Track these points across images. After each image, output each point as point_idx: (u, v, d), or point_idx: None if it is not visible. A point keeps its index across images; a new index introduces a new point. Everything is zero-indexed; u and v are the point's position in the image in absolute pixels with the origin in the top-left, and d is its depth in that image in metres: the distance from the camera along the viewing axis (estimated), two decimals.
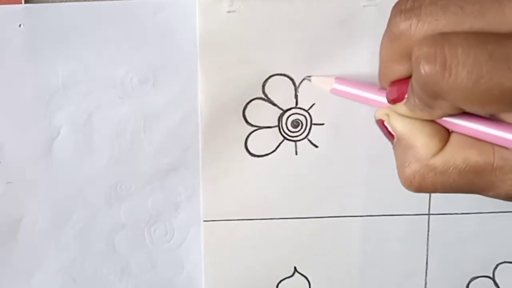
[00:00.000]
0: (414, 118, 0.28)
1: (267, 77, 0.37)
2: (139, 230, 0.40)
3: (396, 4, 0.27)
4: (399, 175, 0.29)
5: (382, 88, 0.31)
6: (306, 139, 0.38)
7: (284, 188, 0.39)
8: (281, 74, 0.37)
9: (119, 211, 0.39)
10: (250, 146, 0.38)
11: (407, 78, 0.28)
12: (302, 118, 0.38)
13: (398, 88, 0.28)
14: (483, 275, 0.41)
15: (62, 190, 0.38)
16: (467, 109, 0.26)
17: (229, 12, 0.36)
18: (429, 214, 0.39)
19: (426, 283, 0.41)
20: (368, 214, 0.39)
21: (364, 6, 0.36)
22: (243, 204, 0.39)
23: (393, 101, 0.29)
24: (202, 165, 0.38)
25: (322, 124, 0.38)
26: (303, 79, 0.37)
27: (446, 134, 0.29)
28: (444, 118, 0.28)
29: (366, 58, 0.37)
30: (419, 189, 0.29)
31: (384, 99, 0.31)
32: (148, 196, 0.39)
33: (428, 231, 0.40)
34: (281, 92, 0.37)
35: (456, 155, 0.27)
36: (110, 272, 0.40)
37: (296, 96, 0.37)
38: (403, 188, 0.39)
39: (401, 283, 0.41)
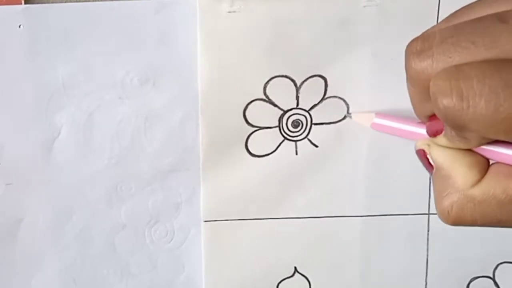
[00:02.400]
0: (454, 148, 0.28)
1: (268, 78, 0.37)
2: (139, 231, 0.40)
3: (408, 46, 0.27)
4: (436, 207, 0.29)
5: (421, 122, 0.31)
6: (306, 139, 0.38)
7: (285, 188, 0.39)
8: (282, 76, 0.37)
9: (119, 212, 0.39)
10: (251, 146, 0.38)
11: None
12: (302, 118, 0.38)
13: (436, 122, 0.29)
14: (483, 275, 0.41)
15: (62, 191, 0.38)
16: (493, 137, 0.26)
17: (229, 12, 0.36)
18: (429, 214, 0.39)
19: (426, 283, 0.41)
20: (368, 214, 0.39)
21: (364, 6, 0.36)
22: (244, 204, 0.39)
23: (433, 134, 0.29)
24: (203, 165, 0.38)
25: (322, 124, 0.38)
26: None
27: (486, 165, 0.28)
28: (483, 147, 0.28)
29: (367, 58, 0.37)
30: (457, 220, 0.28)
31: (423, 131, 0.31)
32: (149, 196, 0.39)
33: (428, 231, 0.40)
34: (282, 93, 0.37)
35: (495, 186, 0.27)
36: (110, 272, 0.40)
37: (297, 97, 0.37)
38: (403, 188, 0.39)
39: (402, 283, 0.41)
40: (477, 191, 0.27)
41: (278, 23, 0.36)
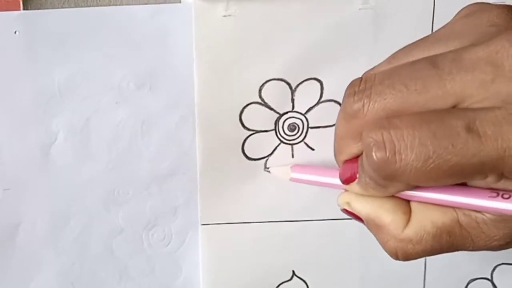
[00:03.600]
0: (370, 196, 0.29)
1: (263, 81, 0.37)
2: (137, 235, 0.40)
3: (350, 85, 0.28)
4: (384, 250, 0.30)
5: (337, 169, 0.31)
6: (302, 143, 0.38)
7: (281, 191, 0.39)
8: (277, 79, 0.37)
9: (117, 216, 0.39)
10: (247, 150, 0.38)
11: (358, 157, 0.29)
12: (298, 122, 0.38)
13: (350, 166, 0.29)
14: (481, 277, 0.41)
15: (60, 195, 0.38)
16: (422, 185, 0.27)
17: (225, 16, 0.36)
18: None
19: (424, 286, 0.41)
20: None
21: (359, 9, 0.36)
22: (241, 207, 0.39)
23: (346, 181, 0.29)
24: (200, 169, 0.38)
25: (319, 127, 0.38)
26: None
27: (407, 203, 0.29)
28: (399, 194, 0.29)
29: (362, 61, 0.37)
30: (406, 259, 0.29)
31: (339, 181, 0.31)
32: (146, 200, 0.39)
33: None
34: (277, 96, 0.37)
35: (424, 223, 0.28)
36: (108, 276, 0.40)
37: (292, 100, 0.37)
38: None
39: (400, 285, 0.41)
40: (410, 233, 0.28)
41: (274, 27, 0.36)
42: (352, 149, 0.29)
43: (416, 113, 0.26)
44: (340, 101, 0.37)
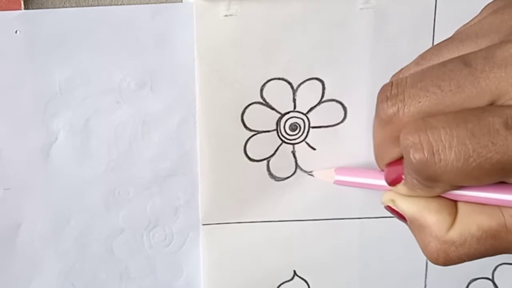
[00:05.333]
0: (417, 196, 0.29)
1: (265, 81, 0.37)
2: (138, 235, 0.39)
3: (381, 90, 0.28)
4: (424, 254, 0.29)
5: (383, 171, 0.31)
6: (304, 142, 0.38)
7: (283, 191, 0.39)
8: (279, 78, 0.37)
9: (117, 216, 0.39)
10: (249, 150, 0.38)
11: (402, 159, 0.29)
12: (300, 122, 0.38)
13: (394, 169, 0.29)
14: (482, 277, 0.41)
15: (60, 196, 0.38)
16: (465, 185, 0.27)
17: (226, 16, 0.36)
18: None
19: (425, 285, 0.41)
20: (367, 216, 0.39)
21: (361, 8, 0.36)
22: (242, 207, 0.39)
23: (392, 183, 0.29)
24: (201, 169, 0.38)
25: (320, 127, 0.38)
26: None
27: (454, 204, 0.29)
28: (446, 194, 0.28)
29: (364, 61, 0.37)
30: (447, 263, 0.29)
31: (384, 182, 0.31)
32: (147, 200, 0.39)
33: None
34: (279, 96, 0.37)
35: (469, 225, 0.28)
36: (109, 276, 0.40)
37: (294, 100, 0.37)
38: None
39: (401, 285, 0.41)
40: (454, 235, 0.28)
41: (275, 26, 0.36)
42: (392, 154, 0.29)
43: (452, 113, 0.26)
44: (342, 100, 0.37)
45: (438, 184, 0.27)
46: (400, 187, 0.29)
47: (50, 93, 0.37)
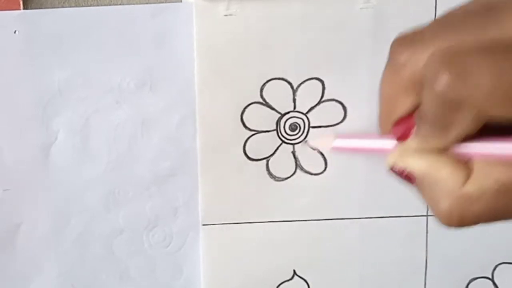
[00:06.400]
0: (427, 151, 0.27)
1: (265, 81, 0.37)
2: (137, 235, 0.39)
3: (396, 38, 0.27)
4: (435, 216, 0.27)
5: (382, 136, 0.30)
6: (303, 142, 0.38)
7: (283, 191, 0.39)
8: (279, 78, 0.37)
9: (117, 216, 0.39)
10: (248, 150, 0.38)
11: (410, 115, 0.27)
12: (300, 122, 0.38)
13: (403, 122, 0.27)
14: (482, 276, 0.41)
15: (60, 196, 0.38)
16: (490, 113, 0.25)
17: (226, 15, 0.36)
18: (427, 216, 0.39)
19: (425, 285, 0.41)
20: (367, 216, 0.39)
21: (361, 8, 0.36)
22: (242, 207, 0.39)
23: (401, 137, 0.28)
24: (200, 169, 0.38)
25: (320, 127, 0.38)
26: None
27: (467, 161, 0.27)
28: (459, 148, 0.26)
29: (364, 60, 0.37)
30: (461, 223, 0.26)
31: (388, 144, 0.29)
32: (146, 201, 0.39)
33: (427, 232, 0.40)
34: (279, 96, 0.37)
35: (486, 178, 0.26)
36: (109, 277, 0.40)
37: (294, 100, 0.37)
38: (401, 190, 0.39)
39: (401, 284, 0.41)
40: (471, 188, 0.26)
41: (275, 26, 0.36)
42: (404, 105, 0.27)
43: (478, 44, 0.24)
44: (342, 100, 0.37)
45: (458, 118, 0.25)
46: (410, 141, 0.27)
47: (50, 93, 0.37)
